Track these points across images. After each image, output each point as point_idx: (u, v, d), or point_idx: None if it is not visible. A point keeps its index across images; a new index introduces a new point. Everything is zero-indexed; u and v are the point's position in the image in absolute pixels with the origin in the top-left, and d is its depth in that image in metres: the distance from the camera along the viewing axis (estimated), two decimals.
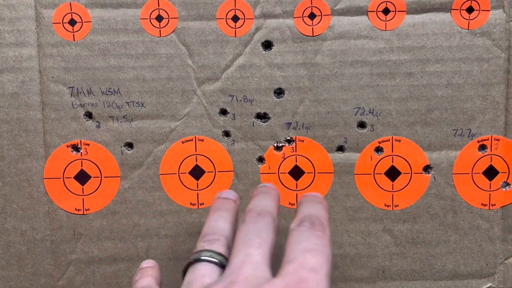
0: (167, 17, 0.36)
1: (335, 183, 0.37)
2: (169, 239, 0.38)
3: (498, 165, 0.36)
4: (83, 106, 0.36)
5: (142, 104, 0.37)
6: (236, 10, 0.36)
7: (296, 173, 0.37)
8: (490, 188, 0.37)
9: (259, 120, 0.37)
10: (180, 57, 0.36)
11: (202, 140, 0.37)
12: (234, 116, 0.37)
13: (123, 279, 0.38)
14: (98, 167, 0.37)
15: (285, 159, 0.37)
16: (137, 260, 0.38)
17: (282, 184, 0.37)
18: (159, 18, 0.36)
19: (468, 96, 0.36)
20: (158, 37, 0.36)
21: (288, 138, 0.37)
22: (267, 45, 0.36)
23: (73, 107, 0.36)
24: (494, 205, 0.37)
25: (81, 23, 0.36)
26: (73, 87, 0.36)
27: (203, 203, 0.37)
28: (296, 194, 0.37)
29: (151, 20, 0.36)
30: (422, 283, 0.38)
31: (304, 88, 0.36)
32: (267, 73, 0.36)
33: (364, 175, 0.37)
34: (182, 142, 0.37)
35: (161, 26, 0.36)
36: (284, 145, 0.37)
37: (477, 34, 0.35)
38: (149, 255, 0.38)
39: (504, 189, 0.37)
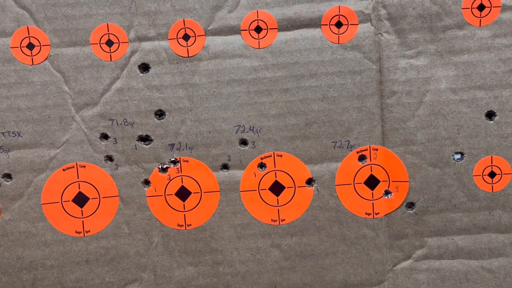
0: (39, 44, 0.36)
1: (221, 201, 0.37)
2: (56, 269, 0.37)
3: (379, 174, 0.37)
4: None
5: (19, 134, 0.36)
6: (110, 35, 0.36)
7: (183, 194, 0.37)
8: (372, 197, 0.37)
9: (142, 142, 0.37)
10: (55, 84, 0.36)
11: (84, 167, 0.37)
12: (115, 140, 0.37)
13: None
14: None
15: (171, 180, 0.37)
16: None
17: (170, 206, 0.37)
18: (30, 46, 0.36)
19: (344, 108, 0.37)
20: (31, 65, 0.36)
21: (173, 159, 0.37)
22: (144, 67, 0.36)
23: None
24: (378, 213, 0.37)
25: None
26: None
27: (89, 231, 0.37)
28: (184, 215, 0.37)
29: (22, 48, 0.35)
30: None
31: (184, 108, 0.37)
32: (146, 95, 0.36)
33: (250, 191, 0.37)
34: (63, 170, 0.36)
35: (33, 54, 0.36)
36: (169, 167, 0.37)
37: (348, 47, 0.36)
38: (36, 287, 0.37)
39: (386, 197, 0.37)
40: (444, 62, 0.36)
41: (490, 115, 0.36)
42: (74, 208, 0.37)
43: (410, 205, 0.37)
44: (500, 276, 0.37)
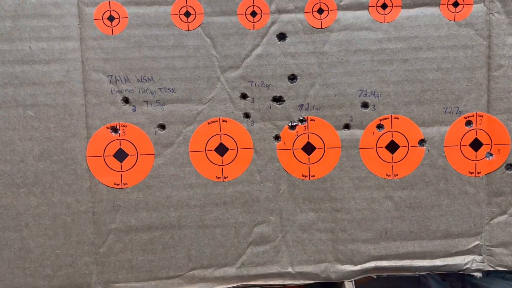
0: (194, 13, 0.41)
1: (342, 156, 0.43)
2: (198, 208, 0.43)
3: (482, 138, 0.42)
4: (121, 92, 0.41)
5: (173, 90, 0.42)
6: (254, 7, 0.41)
7: (308, 148, 0.43)
8: (476, 158, 0.42)
9: (275, 102, 0.42)
10: (205, 48, 0.42)
11: (226, 121, 0.42)
12: (253, 100, 0.42)
13: (157, 245, 0.43)
14: (135, 146, 0.42)
15: (298, 136, 0.43)
16: (169, 228, 0.43)
17: (296, 158, 0.43)
18: (187, 14, 0.41)
19: (456, 78, 0.42)
20: (186, 30, 0.41)
21: (301, 118, 0.42)
22: (281, 37, 0.42)
23: (112, 93, 0.41)
24: (480, 172, 0.43)
25: (118, 19, 0.41)
26: (111, 76, 0.41)
27: (227, 177, 0.43)
28: (309, 167, 0.43)
29: (180, 16, 0.41)
30: (419, 243, 0.43)
31: (314, 74, 0.42)
32: (281, 61, 0.42)
33: (368, 149, 0.43)
34: (208, 123, 0.42)
35: (188, 21, 0.41)
36: (298, 124, 0.42)
37: (462, 25, 0.41)
38: (180, 223, 0.43)
39: (487, 159, 0.42)
40: None
41: None
42: (216, 157, 0.42)
43: (509, 166, 0.42)
44: None
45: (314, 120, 0.42)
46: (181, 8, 0.41)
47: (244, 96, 0.42)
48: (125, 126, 0.42)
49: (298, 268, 0.43)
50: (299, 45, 0.42)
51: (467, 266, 0.43)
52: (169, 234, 0.43)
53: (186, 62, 0.41)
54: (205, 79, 0.42)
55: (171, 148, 0.42)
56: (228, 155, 0.42)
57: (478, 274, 0.43)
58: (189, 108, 0.42)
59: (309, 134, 0.42)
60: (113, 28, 0.41)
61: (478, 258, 0.43)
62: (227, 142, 0.42)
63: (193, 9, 0.41)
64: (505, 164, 0.42)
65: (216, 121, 0.42)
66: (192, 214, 0.43)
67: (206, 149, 0.42)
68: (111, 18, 0.41)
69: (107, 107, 0.41)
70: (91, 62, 0.41)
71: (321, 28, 0.41)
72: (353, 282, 0.44)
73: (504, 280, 0.51)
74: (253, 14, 0.41)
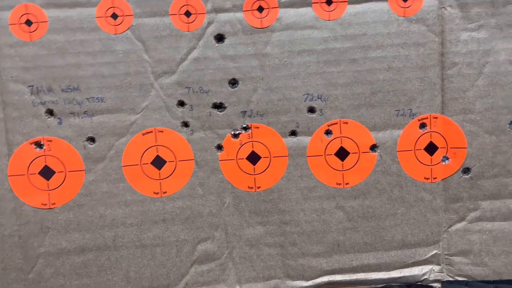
0: (122, 15, 0.37)
1: (289, 165, 0.40)
2: (135, 227, 0.39)
3: (438, 141, 0.40)
4: (44, 104, 0.38)
5: (102, 100, 0.38)
6: (188, 6, 0.38)
7: (253, 158, 0.40)
8: (431, 163, 0.40)
9: (216, 109, 0.39)
10: (136, 52, 0.38)
11: (162, 131, 0.39)
12: (191, 107, 0.39)
13: (92, 268, 0.39)
14: (62, 162, 0.38)
15: (242, 145, 0.39)
16: (105, 249, 0.39)
17: (241, 169, 0.40)
18: (114, 16, 0.37)
19: (408, 78, 0.39)
20: (114, 34, 0.38)
21: (244, 125, 0.39)
22: (220, 38, 0.38)
23: (34, 105, 0.38)
24: (436, 178, 0.40)
25: (37, 24, 0.37)
26: (32, 86, 0.37)
27: (166, 192, 0.39)
28: (254, 178, 0.40)
29: (107, 18, 0.37)
30: (374, 254, 0.41)
31: (256, 77, 0.39)
32: (221, 64, 0.38)
33: (316, 156, 0.40)
34: (143, 134, 0.39)
35: (116, 24, 0.38)
36: (241, 133, 0.39)
37: (413, 20, 0.38)
38: (116, 243, 0.39)
39: (443, 163, 0.40)
40: (504, 35, 0.38)
41: None
42: (153, 170, 0.39)
43: (466, 170, 0.40)
44: None
45: (258, 128, 0.39)
46: (107, 9, 0.37)
47: (181, 104, 0.39)
48: (50, 141, 0.38)
49: (246, 286, 0.40)
50: (239, 47, 0.38)
51: (425, 276, 0.41)
52: (104, 255, 0.39)
53: (116, 68, 0.38)
54: (138, 87, 0.38)
55: (103, 163, 0.39)
56: (166, 168, 0.39)
57: (437, 285, 0.41)
58: (120, 119, 0.38)
59: (253, 142, 0.39)
60: (31, 33, 0.37)
61: (437, 268, 0.41)
62: (165, 154, 0.39)
63: (121, 10, 0.37)
64: (462, 168, 0.40)
65: (152, 131, 0.39)
66: (129, 234, 0.39)
67: (142, 163, 0.39)
68: (28, 23, 0.37)
69: (29, 121, 0.38)
70: (9, 72, 0.37)
71: (262, 27, 0.38)
72: None
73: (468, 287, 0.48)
74: (187, 14, 0.38)
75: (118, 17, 0.37)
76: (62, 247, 0.39)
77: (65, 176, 0.38)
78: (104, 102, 0.38)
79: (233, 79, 0.39)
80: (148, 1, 0.37)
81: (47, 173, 0.38)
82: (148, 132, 0.39)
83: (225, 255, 0.40)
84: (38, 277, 0.39)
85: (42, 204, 0.38)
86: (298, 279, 0.41)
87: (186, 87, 0.39)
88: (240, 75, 0.39)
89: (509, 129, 0.39)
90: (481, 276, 0.41)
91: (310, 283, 0.40)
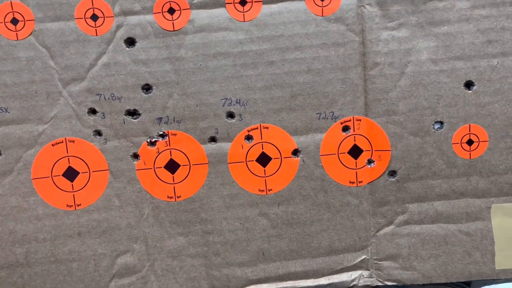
0: (23, 19, 0.35)
1: (210, 173, 0.38)
2: (48, 242, 0.38)
3: (362, 144, 0.38)
4: None
5: (6, 110, 0.36)
6: (94, 9, 0.36)
7: (172, 166, 0.38)
8: (356, 166, 0.39)
9: (130, 117, 0.37)
10: (41, 59, 0.36)
11: (73, 141, 0.37)
12: (103, 115, 0.37)
13: (4, 286, 0.37)
14: None
15: (159, 153, 0.38)
16: (16, 267, 0.37)
17: (159, 178, 0.38)
18: (14, 21, 0.35)
19: (328, 80, 0.37)
20: (16, 40, 0.36)
21: (161, 132, 0.38)
22: (130, 42, 0.37)
23: None
24: (361, 181, 0.39)
25: None
26: None
27: (80, 204, 0.38)
28: (174, 187, 0.38)
29: (6, 23, 0.35)
30: (301, 262, 0.39)
31: (171, 82, 0.37)
32: (132, 69, 0.37)
33: (237, 163, 0.38)
34: (52, 145, 0.37)
35: (17, 29, 0.35)
36: (158, 140, 0.38)
37: (331, 20, 0.37)
38: (29, 260, 0.37)
39: (369, 166, 0.39)
40: (425, 34, 0.37)
41: (468, 85, 0.38)
42: (65, 183, 0.37)
43: (392, 173, 0.39)
44: (477, 238, 0.39)
45: (175, 135, 0.38)
46: (6, 15, 0.35)
47: (93, 112, 0.37)
48: None
49: None
50: (151, 51, 0.36)
51: (354, 282, 0.40)
52: (17, 273, 0.37)
53: (19, 76, 0.36)
54: (44, 95, 0.36)
55: (10, 176, 0.37)
56: (79, 180, 0.37)
57: None
58: (27, 129, 0.36)
59: (171, 150, 0.38)
60: None
61: (366, 273, 0.40)
62: (77, 165, 0.37)
63: (21, 15, 0.35)
64: (387, 171, 0.39)
65: (62, 141, 0.37)
66: (42, 249, 0.37)
67: (53, 175, 0.37)
68: None
69: None
70: None
71: (174, 30, 0.36)
72: None
73: None
74: (94, 18, 0.36)
75: (19, 22, 0.35)
76: None
77: None
78: (9, 112, 0.36)
79: (147, 84, 0.37)
80: (50, 4, 0.35)
81: None
82: (58, 143, 0.37)
83: (146, 267, 0.39)
84: None
85: None
86: None
87: (97, 94, 0.37)
88: (154, 80, 0.37)
89: (433, 130, 0.38)
90: (411, 280, 0.40)
91: None
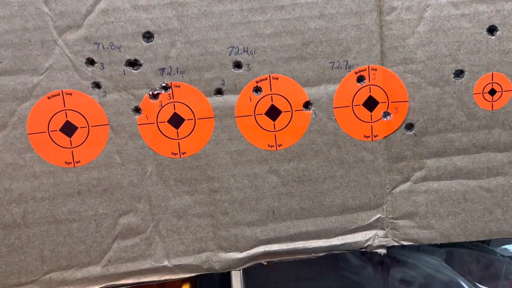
0: None
1: (216, 127, 0.36)
2: (47, 201, 0.36)
3: (378, 95, 0.36)
4: None
5: None
6: None
7: (176, 121, 0.36)
8: (371, 119, 0.36)
9: (130, 67, 0.35)
10: (34, 4, 0.33)
11: (70, 94, 0.35)
12: (102, 66, 0.35)
13: (1, 248, 0.36)
14: None
15: (162, 107, 0.36)
16: (13, 227, 0.35)
17: (163, 133, 0.36)
18: None
19: (342, 26, 0.35)
20: None
21: (164, 84, 0.35)
22: None
23: None
24: (377, 136, 0.37)
25: None
26: None
27: (79, 161, 0.35)
28: (178, 142, 0.36)
29: None
30: (313, 221, 0.37)
31: (174, 30, 0.35)
32: (132, 16, 0.34)
33: (245, 117, 0.36)
34: (48, 98, 0.35)
35: None
36: (160, 93, 0.35)
37: None
38: (27, 220, 0.35)
39: (385, 119, 0.36)
40: None
41: (491, 30, 0.35)
42: (62, 138, 0.35)
43: (409, 126, 0.37)
44: (498, 195, 0.37)
45: (179, 87, 0.35)
46: None
47: (91, 62, 0.35)
48: None
49: (176, 261, 0.37)
50: None
51: (369, 243, 0.38)
52: (14, 234, 0.36)
53: (11, 23, 0.33)
54: (39, 44, 0.34)
55: (4, 131, 0.34)
56: (78, 135, 0.35)
57: (382, 251, 0.38)
58: (21, 81, 0.34)
59: (175, 103, 0.35)
60: None
61: (381, 233, 0.38)
62: (75, 119, 0.35)
63: None
64: (404, 124, 0.36)
65: (59, 94, 0.35)
66: (41, 209, 0.35)
67: (49, 130, 0.35)
68: None
69: None
70: None
71: None
72: (241, 271, 0.38)
73: (419, 252, 0.46)
74: None
75: None
76: None
77: None
78: (1, 62, 0.34)
79: (148, 32, 0.35)
80: None
81: None
82: (54, 95, 0.35)
83: (150, 228, 0.37)
84: None
85: None
86: (231, 251, 0.37)
87: (95, 43, 0.34)
88: (155, 27, 0.34)
89: (453, 79, 0.36)
90: (428, 239, 0.38)
91: (244, 254, 0.37)
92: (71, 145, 0.35)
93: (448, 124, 0.36)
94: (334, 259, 0.52)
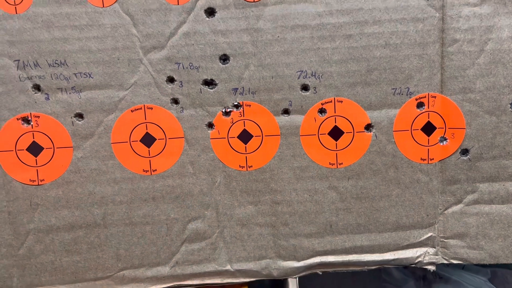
0: None
1: (282, 144, 0.39)
2: (124, 205, 0.39)
3: (435, 121, 0.38)
4: (31, 79, 0.37)
5: (90, 75, 0.37)
6: None
7: (245, 137, 0.39)
8: (428, 143, 0.39)
9: (206, 86, 0.38)
10: (124, 26, 0.37)
11: (151, 108, 0.38)
12: (181, 84, 0.38)
13: (82, 245, 0.39)
14: (50, 138, 0.38)
15: (233, 123, 0.39)
16: (94, 227, 0.39)
17: (232, 148, 0.39)
18: None
19: (405, 55, 0.37)
20: (102, 7, 0.37)
21: (236, 103, 0.38)
22: (210, 12, 0.37)
23: (21, 80, 0.37)
24: (433, 159, 0.39)
25: None
26: (19, 60, 0.37)
27: (155, 170, 0.39)
28: (246, 157, 0.39)
29: None
30: (368, 236, 0.40)
31: (248, 53, 0.37)
32: (211, 39, 0.37)
33: (309, 136, 0.39)
34: (132, 111, 0.38)
35: None
36: (232, 110, 0.38)
37: None
38: (106, 221, 0.39)
39: (441, 144, 0.39)
40: (508, 11, 0.36)
41: None
42: (142, 148, 0.38)
43: (464, 151, 0.39)
44: None
45: (250, 106, 0.38)
46: None
47: (171, 80, 0.38)
48: (38, 117, 0.37)
49: (237, 266, 0.40)
50: (230, 21, 0.37)
51: (419, 259, 0.40)
52: (94, 233, 0.39)
53: (103, 43, 0.37)
54: (126, 62, 0.37)
55: (91, 140, 0.38)
56: (156, 146, 0.38)
57: (432, 268, 0.40)
58: (109, 95, 0.38)
59: (245, 121, 0.38)
60: (16, 6, 0.36)
61: (431, 250, 0.40)
62: (154, 132, 0.38)
63: None
64: (460, 150, 0.38)
65: (141, 108, 0.38)
66: (119, 211, 0.39)
67: (131, 140, 0.38)
68: None
69: (16, 96, 0.37)
70: None
71: (254, 1, 0.37)
72: (297, 279, 0.40)
73: (464, 271, 0.48)
74: None
75: None
76: (52, 224, 0.39)
77: (54, 152, 0.38)
78: (92, 78, 0.37)
79: (224, 55, 0.38)
80: None
81: (35, 149, 0.38)
82: (137, 109, 0.38)
83: (215, 234, 0.40)
84: (29, 253, 0.39)
85: (31, 181, 0.38)
86: (289, 260, 0.40)
87: (176, 63, 0.37)
88: (231, 50, 0.37)
89: (510, 109, 0.38)
90: (477, 259, 0.40)
91: (301, 263, 0.40)
92: (149, 155, 0.39)
93: (502, 151, 0.38)
94: (377, 271, 0.54)
